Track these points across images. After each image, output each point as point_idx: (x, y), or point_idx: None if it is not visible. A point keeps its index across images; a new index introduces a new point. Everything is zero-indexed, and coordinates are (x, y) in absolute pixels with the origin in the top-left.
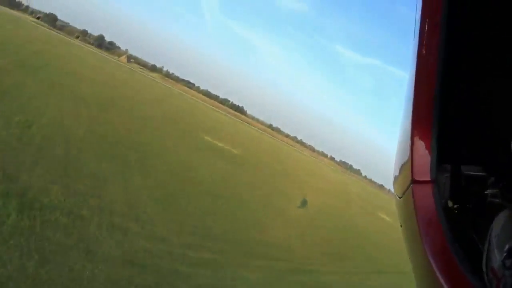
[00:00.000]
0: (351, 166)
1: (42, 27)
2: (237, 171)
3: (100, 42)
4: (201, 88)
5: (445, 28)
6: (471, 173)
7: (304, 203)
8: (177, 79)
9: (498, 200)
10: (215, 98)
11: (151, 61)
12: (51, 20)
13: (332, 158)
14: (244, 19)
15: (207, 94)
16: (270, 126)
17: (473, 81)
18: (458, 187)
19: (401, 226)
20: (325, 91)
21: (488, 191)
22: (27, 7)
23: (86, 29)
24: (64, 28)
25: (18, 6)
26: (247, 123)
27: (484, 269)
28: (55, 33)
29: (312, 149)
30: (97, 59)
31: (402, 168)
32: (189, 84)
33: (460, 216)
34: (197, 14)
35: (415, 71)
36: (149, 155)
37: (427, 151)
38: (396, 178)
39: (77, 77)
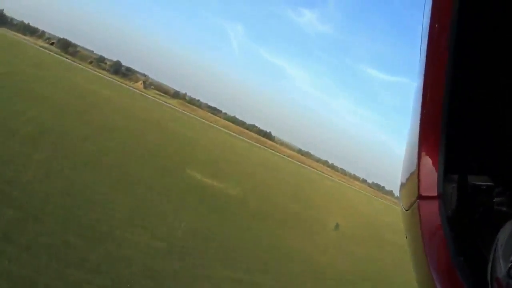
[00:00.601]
0: (383, 187)
1: (50, 53)
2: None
3: (117, 68)
4: (228, 114)
5: (453, 39)
6: (478, 183)
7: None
8: (200, 105)
9: (504, 210)
10: (242, 124)
11: (175, 86)
12: (63, 45)
13: (364, 181)
14: (271, 44)
15: (233, 120)
16: (299, 151)
17: (481, 92)
18: (465, 197)
19: (406, 237)
20: (353, 112)
21: (495, 201)
22: (43, 32)
23: (103, 55)
24: (77, 53)
25: (34, 32)
26: (273, 149)
27: (488, 278)
28: (62, 58)
29: (343, 173)
30: (103, 85)
31: (409, 181)
32: (214, 110)
33: (466, 227)
34: (224, 40)
35: (422, 84)
36: None
37: (434, 165)
38: (402, 190)
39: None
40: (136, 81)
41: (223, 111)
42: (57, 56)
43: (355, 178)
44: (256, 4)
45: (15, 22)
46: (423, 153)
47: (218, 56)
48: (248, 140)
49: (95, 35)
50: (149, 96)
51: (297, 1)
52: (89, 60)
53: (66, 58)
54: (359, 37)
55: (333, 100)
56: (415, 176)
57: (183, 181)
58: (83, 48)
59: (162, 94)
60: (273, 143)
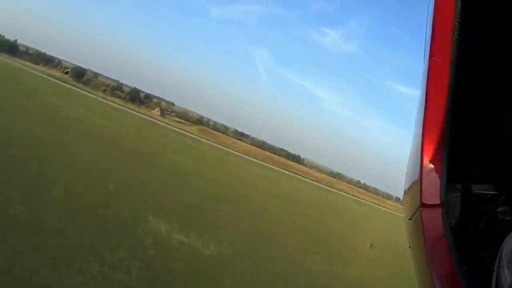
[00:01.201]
0: None
1: (58, 81)
2: None
3: (133, 96)
4: (257, 138)
5: (456, 49)
6: (482, 191)
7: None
8: (225, 131)
9: (509, 219)
10: (269, 148)
11: (201, 112)
12: (76, 73)
13: (398, 199)
14: (297, 66)
15: (260, 145)
16: (330, 173)
17: (485, 100)
18: (469, 206)
19: (409, 247)
20: (384, 130)
21: (499, 210)
22: (60, 61)
23: (124, 82)
24: (91, 82)
25: (50, 62)
26: (300, 174)
27: None
28: (68, 87)
29: (376, 193)
30: (99, 113)
31: (411, 190)
32: (240, 136)
33: (470, 236)
34: (250, 65)
35: (425, 92)
36: None
37: (436, 174)
38: (405, 199)
39: None
40: (154, 108)
41: (251, 135)
42: (63, 84)
43: (388, 197)
44: (280, 27)
45: (30, 52)
46: (425, 162)
47: (245, 81)
48: (272, 166)
49: (117, 62)
50: (160, 123)
51: (320, 21)
52: (102, 88)
53: (73, 86)
54: (384, 53)
55: (363, 119)
56: (417, 185)
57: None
58: (102, 76)
59: (182, 121)
60: (302, 167)
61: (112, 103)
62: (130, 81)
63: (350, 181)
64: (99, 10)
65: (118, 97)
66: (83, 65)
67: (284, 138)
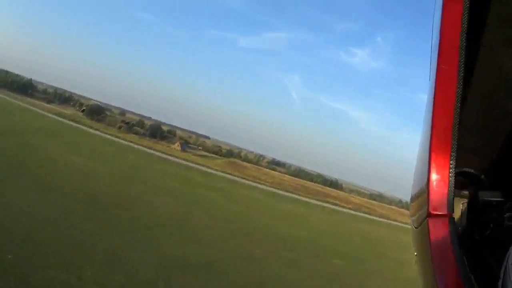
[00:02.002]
0: None
1: (64, 120)
2: None
3: (154, 131)
4: (294, 165)
5: (463, 56)
6: (489, 198)
7: None
8: (258, 161)
9: None
10: (306, 175)
11: (237, 143)
12: (90, 111)
13: None
14: (329, 89)
15: (295, 173)
16: (370, 196)
17: (491, 109)
18: (475, 213)
19: (415, 255)
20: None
21: (506, 216)
22: (78, 100)
23: (150, 116)
24: (106, 118)
25: (69, 100)
26: (336, 202)
27: None
28: (76, 126)
29: None
30: (91, 154)
31: (418, 199)
32: (276, 165)
33: (477, 243)
34: (283, 93)
35: (433, 101)
36: None
37: (444, 183)
38: (412, 208)
39: None
40: (175, 143)
41: (288, 163)
42: (68, 122)
43: None
44: (309, 52)
45: (49, 90)
46: (433, 171)
47: (279, 108)
48: (305, 198)
49: (148, 98)
50: (174, 159)
51: (347, 42)
52: (118, 125)
53: (81, 125)
54: (413, 66)
55: (399, 134)
56: (424, 194)
57: None
58: (131, 112)
59: (208, 154)
60: (340, 192)
61: (122, 140)
62: (163, 117)
63: (391, 202)
64: (127, 45)
65: (136, 133)
66: (111, 102)
67: (321, 162)
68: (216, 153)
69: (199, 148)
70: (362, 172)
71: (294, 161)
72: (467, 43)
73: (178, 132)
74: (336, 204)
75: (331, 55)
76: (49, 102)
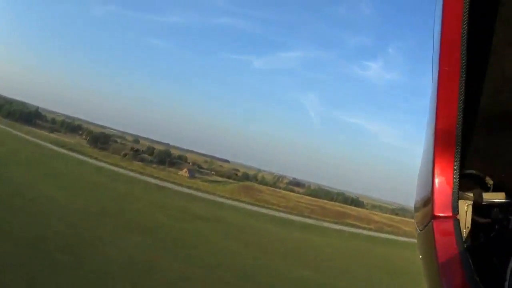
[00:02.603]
0: None
1: (61, 150)
2: None
3: (163, 158)
4: (313, 183)
5: (465, 58)
6: (494, 200)
7: None
8: (275, 182)
9: None
10: (325, 194)
11: (254, 164)
12: (93, 139)
13: None
14: (346, 104)
15: (314, 193)
16: (392, 211)
17: (494, 110)
18: (480, 215)
19: (420, 257)
20: None
21: (511, 217)
22: (87, 129)
23: (161, 141)
24: (110, 146)
25: (77, 130)
26: (354, 224)
27: None
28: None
29: None
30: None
31: (423, 201)
32: (295, 186)
33: (482, 245)
34: (300, 112)
35: (435, 103)
36: None
37: (448, 185)
38: (417, 210)
39: None
40: (183, 169)
41: (308, 181)
42: (65, 152)
43: None
44: (323, 69)
45: (58, 119)
46: (437, 174)
47: (298, 128)
48: (320, 222)
49: (165, 125)
50: (177, 187)
51: (360, 56)
52: (123, 153)
53: (79, 154)
54: (427, 73)
55: (419, 145)
56: (429, 196)
57: None
58: (147, 139)
59: (221, 179)
60: (361, 210)
61: (120, 169)
62: (181, 143)
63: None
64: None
65: (142, 160)
66: (127, 130)
67: (342, 179)
68: (229, 177)
69: (212, 173)
70: (384, 186)
71: (316, 178)
72: (468, 44)
73: (193, 157)
74: (356, 226)
75: (345, 70)
76: (53, 131)
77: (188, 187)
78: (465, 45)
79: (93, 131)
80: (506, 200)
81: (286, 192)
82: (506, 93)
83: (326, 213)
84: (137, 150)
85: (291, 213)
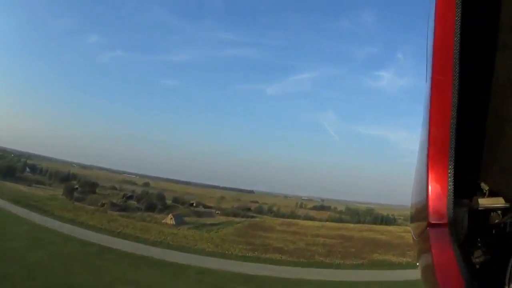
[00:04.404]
0: None
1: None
2: None
3: (151, 203)
4: (340, 206)
5: (458, 67)
6: (492, 205)
7: None
8: (293, 212)
9: None
10: (352, 217)
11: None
12: (69, 191)
13: None
14: (364, 117)
15: (339, 217)
16: None
17: (487, 117)
18: (476, 221)
19: (417, 265)
20: None
21: (508, 222)
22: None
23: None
24: (86, 198)
25: (66, 180)
26: (386, 261)
27: None
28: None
29: None
30: None
31: (418, 209)
32: (320, 209)
33: (479, 250)
34: (320, 132)
35: (429, 111)
36: None
37: (443, 193)
38: (412, 218)
39: None
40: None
41: (333, 205)
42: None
43: None
44: (336, 86)
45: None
46: (432, 181)
47: (320, 148)
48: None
49: (183, 161)
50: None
51: (370, 67)
52: (100, 203)
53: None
54: None
55: None
56: (424, 204)
57: None
58: (153, 178)
59: (217, 221)
60: (393, 230)
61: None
62: (203, 179)
63: None
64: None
65: (123, 209)
66: (141, 172)
67: (371, 193)
68: (237, 215)
69: (217, 212)
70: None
71: (344, 196)
72: (461, 52)
73: (210, 193)
74: (386, 264)
75: (358, 83)
76: (38, 183)
77: (160, 242)
78: (458, 53)
79: (85, 179)
80: (502, 205)
81: (305, 221)
82: (500, 98)
83: (349, 248)
84: (130, 197)
85: (298, 264)
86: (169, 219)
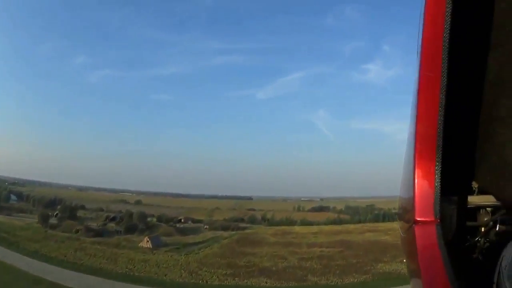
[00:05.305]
0: None
1: None
2: None
3: (132, 224)
4: (339, 205)
5: (446, 63)
6: (480, 202)
7: None
8: (289, 219)
9: (508, 228)
10: (352, 216)
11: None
12: (43, 219)
13: None
14: (358, 112)
15: (338, 219)
16: None
17: (476, 113)
18: (464, 218)
19: (404, 261)
20: None
21: (497, 219)
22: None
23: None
24: (62, 224)
25: (51, 205)
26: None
27: None
28: None
29: None
30: None
31: (405, 206)
32: (319, 211)
33: (469, 248)
34: (313, 132)
35: (416, 107)
36: None
37: (430, 190)
38: (399, 214)
39: None
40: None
41: (332, 204)
42: None
43: None
44: (325, 83)
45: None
46: (418, 178)
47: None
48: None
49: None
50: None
51: (358, 61)
52: (74, 229)
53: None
54: None
55: None
56: (411, 201)
57: None
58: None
59: (203, 239)
60: (396, 225)
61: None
62: (205, 190)
63: None
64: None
65: (99, 234)
66: (141, 188)
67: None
68: (227, 228)
69: (205, 227)
70: None
71: (345, 192)
72: (451, 49)
73: (205, 204)
74: (394, 278)
75: (347, 79)
76: (11, 213)
77: (125, 275)
78: (447, 50)
79: (71, 203)
80: (491, 203)
81: (301, 228)
82: (490, 97)
83: (349, 258)
84: (113, 218)
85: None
86: (146, 242)
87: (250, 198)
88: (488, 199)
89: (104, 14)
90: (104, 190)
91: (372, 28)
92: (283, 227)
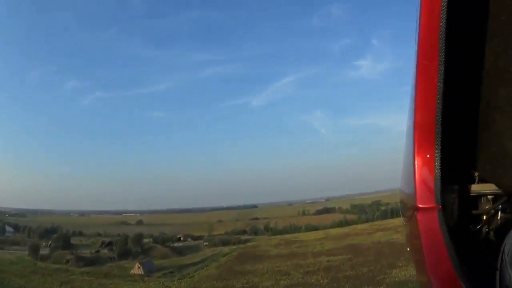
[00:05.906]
0: None
1: None
2: None
3: (126, 249)
4: (345, 205)
5: (444, 51)
6: (482, 191)
7: None
8: (293, 226)
9: (510, 216)
10: (359, 216)
11: (288, 199)
12: (34, 251)
13: None
14: (354, 109)
15: (343, 220)
16: None
17: (476, 103)
18: (466, 206)
19: (408, 249)
20: None
21: (500, 208)
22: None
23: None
24: (53, 253)
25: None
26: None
27: (497, 287)
28: None
29: None
30: None
31: (407, 193)
32: (326, 212)
33: (472, 235)
34: (311, 133)
35: (415, 96)
36: None
37: (431, 177)
38: (401, 203)
39: None
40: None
41: (338, 204)
42: None
43: None
44: (319, 84)
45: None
46: (419, 165)
47: (315, 148)
48: None
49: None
50: None
51: (349, 58)
52: (65, 259)
53: None
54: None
55: None
56: (412, 189)
57: None
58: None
59: (202, 257)
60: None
61: None
62: (205, 203)
63: None
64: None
65: (92, 263)
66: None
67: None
68: (228, 243)
69: (205, 244)
70: None
71: (350, 190)
72: (448, 38)
73: (210, 217)
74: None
75: (340, 77)
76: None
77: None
78: (444, 39)
79: (67, 230)
80: (496, 191)
81: (306, 234)
82: (488, 86)
83: (359, 267)
84: (109, 243)
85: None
86: (137, 269)
87: (255, 206)
88: (489, 188)
89: (89, 36)
90: (107, 212)
91: (359, 25)
92: (287, 235)
